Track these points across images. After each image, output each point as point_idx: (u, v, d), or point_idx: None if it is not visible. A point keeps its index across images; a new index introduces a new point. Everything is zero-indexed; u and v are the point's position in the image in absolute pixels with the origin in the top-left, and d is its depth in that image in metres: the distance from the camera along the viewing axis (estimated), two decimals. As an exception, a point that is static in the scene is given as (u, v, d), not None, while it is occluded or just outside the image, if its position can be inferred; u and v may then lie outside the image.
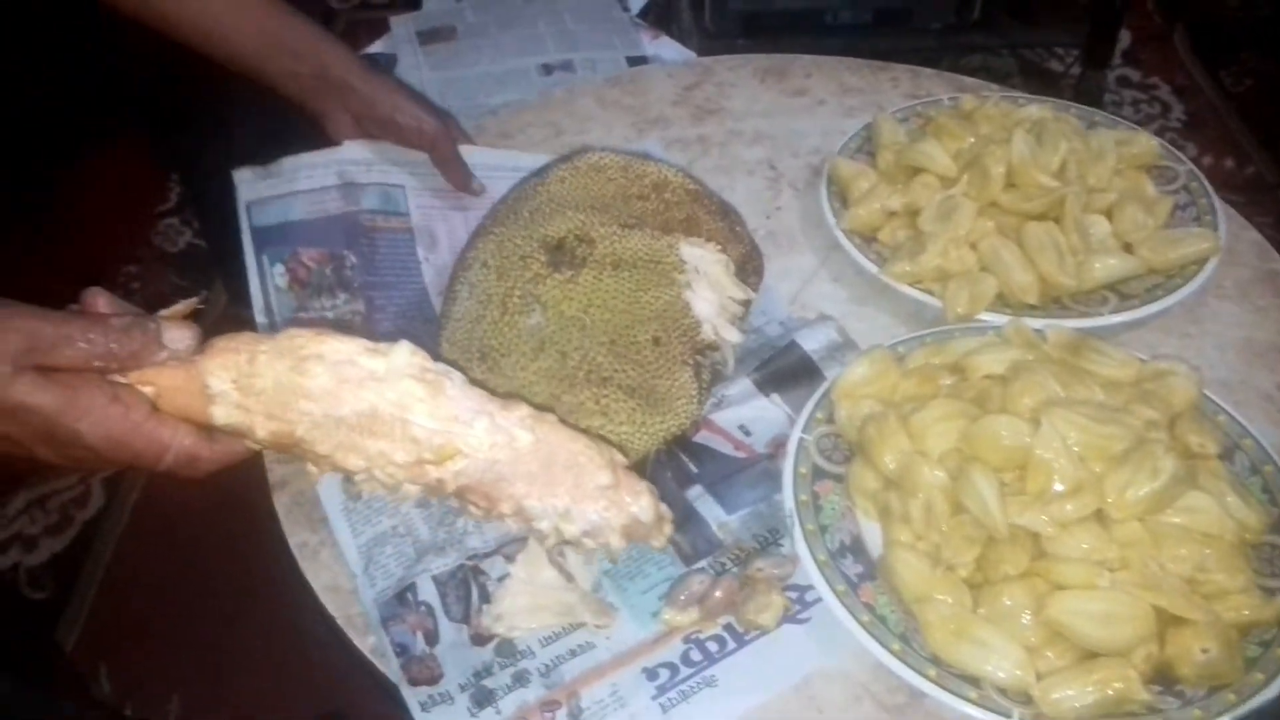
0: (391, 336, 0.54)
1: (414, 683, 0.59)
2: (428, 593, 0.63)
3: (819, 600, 0.61)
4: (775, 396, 0.73)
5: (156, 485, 1.48)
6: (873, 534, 0.64)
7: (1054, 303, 0.76)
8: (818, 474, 0.66)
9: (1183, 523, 0.58)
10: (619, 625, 0.62)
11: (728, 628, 0.61)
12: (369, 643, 0.61)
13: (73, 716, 1.06)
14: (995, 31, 1.82)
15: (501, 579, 0.63)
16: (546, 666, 0.60)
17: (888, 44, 1.64)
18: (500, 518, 0.55)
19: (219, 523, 1.24)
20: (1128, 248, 0.79)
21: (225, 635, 1.30)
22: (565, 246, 0.69)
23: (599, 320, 0.67)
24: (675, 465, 0.69)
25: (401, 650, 0.61)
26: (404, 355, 0.52)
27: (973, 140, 0.85)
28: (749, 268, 0.77)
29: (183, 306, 0.53)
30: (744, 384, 0.73)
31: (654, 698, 0.58)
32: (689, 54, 1.35)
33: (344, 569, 0.65)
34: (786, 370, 0.74)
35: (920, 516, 0.61)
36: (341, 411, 0.51)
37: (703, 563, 0.64)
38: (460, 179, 0.86)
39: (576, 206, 0.72)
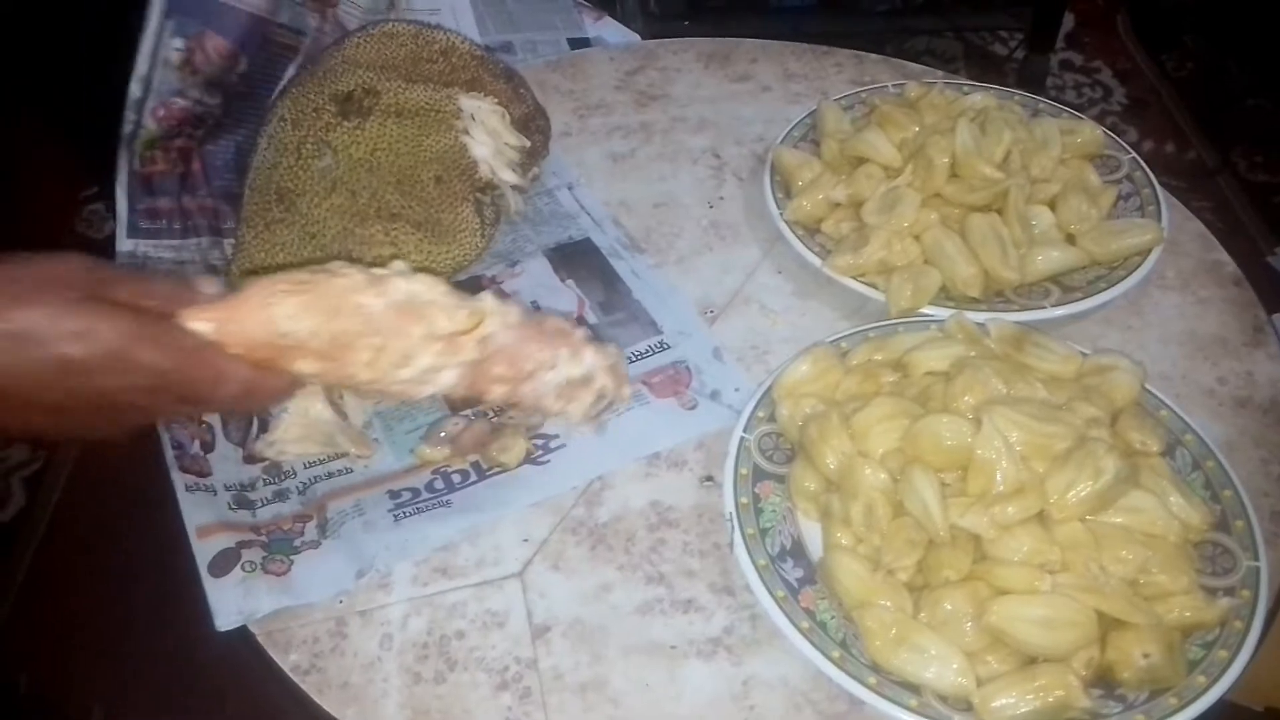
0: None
1: (184, 470, 0.67)
2: (211, 415, 0.70)
3: (562, 446, 0.69)
4: (570, 281, 0.81)
5: (77, 487, 1.43)
6: (814, 536, 0.62)
7: (997, 296, 0.75)
8: (759, 475, 0.64)
9: (1125, 523, 0.58)
10: (378, 457, 0.69)
11: (474, 465, 0.68)
12: (290, 660, 0.59)
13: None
14: (940, 15, 1.81)
15: (280, 413, 0.67)
16: (304, 485, 0.67)
17: (833, 26, 1.63)
18: (517, 387, 0.55)
19: (138, 527, 1.20)
20: (1071, 239, 0.78)
21: (147, 642, 1.26)
22: (354, 98, 0.75)
23: (385, 162, 0.74)
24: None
25: (178, 445, 0.68)
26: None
27: (917, 130, 0.84)
28: (533, 126, 0.84)
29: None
30: (542, 262, 0.82)
31: (390, 510, 0.65)
32: (633, 36, 1.32)
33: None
34: (579, 259, 0.82)
35: (861, 519, 0.60)
36: (377, 318, 0.50)
37: (468, 412, 0.70)
38: None
39: (368, 66, 0.78)
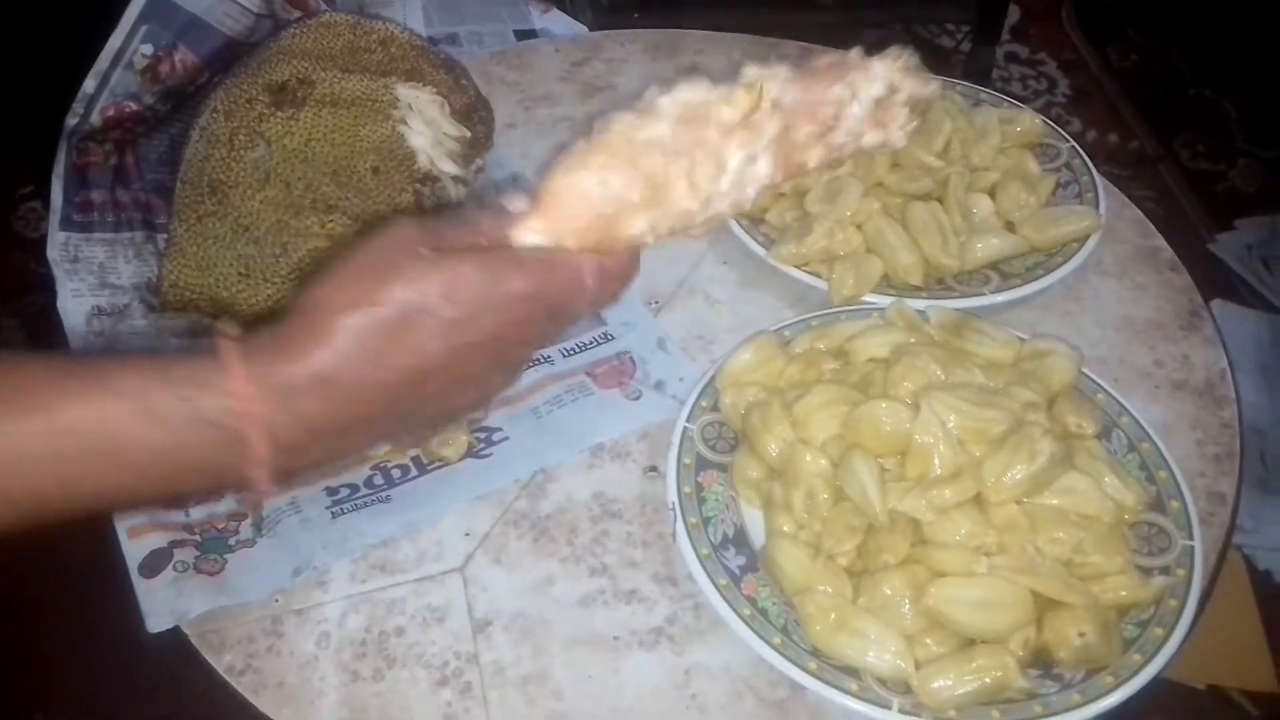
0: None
1: None
2: None
3: (505, 439, 0.68)
4: None
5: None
6: (756, 524, 0.62)
7: (938, 283, 0.76)
8: (702, 464, 0.64)
9: (1060, 505, 0.58)
10: None
11: (415, 459, 0.67)
12: (224, 661, 0.58)
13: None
14: (887, 8, 1.82)
15: None
16: None
17: (783, 19, 1.63)
18: (830, 138, 0.47)
19: (68, 528, 1.17)
20: (1010, 226, 0.79)
21: (80, 645, 1.24)
22: (288, 88, 0.74)
23: (320, 153, 0.73)
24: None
25: None
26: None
27: (859, 118, 0.84)
28: (475, 117, 0.82)
29: None
30: None
31: (327, 507, 0.64)
32: (581, 28, 1.31)
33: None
34: None
35: (802, 506, 0.60)
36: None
37: None
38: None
39: (303, 56, 0.77)
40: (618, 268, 0.45)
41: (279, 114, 0.73)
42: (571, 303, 0.44)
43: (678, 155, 0.44)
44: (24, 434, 0.37)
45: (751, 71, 0.46)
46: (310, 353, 0.39)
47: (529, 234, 0.43)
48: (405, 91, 0.76)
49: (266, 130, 0.73)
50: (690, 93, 0.45)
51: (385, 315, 0.39)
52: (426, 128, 0.76)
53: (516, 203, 0.45)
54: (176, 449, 0.38)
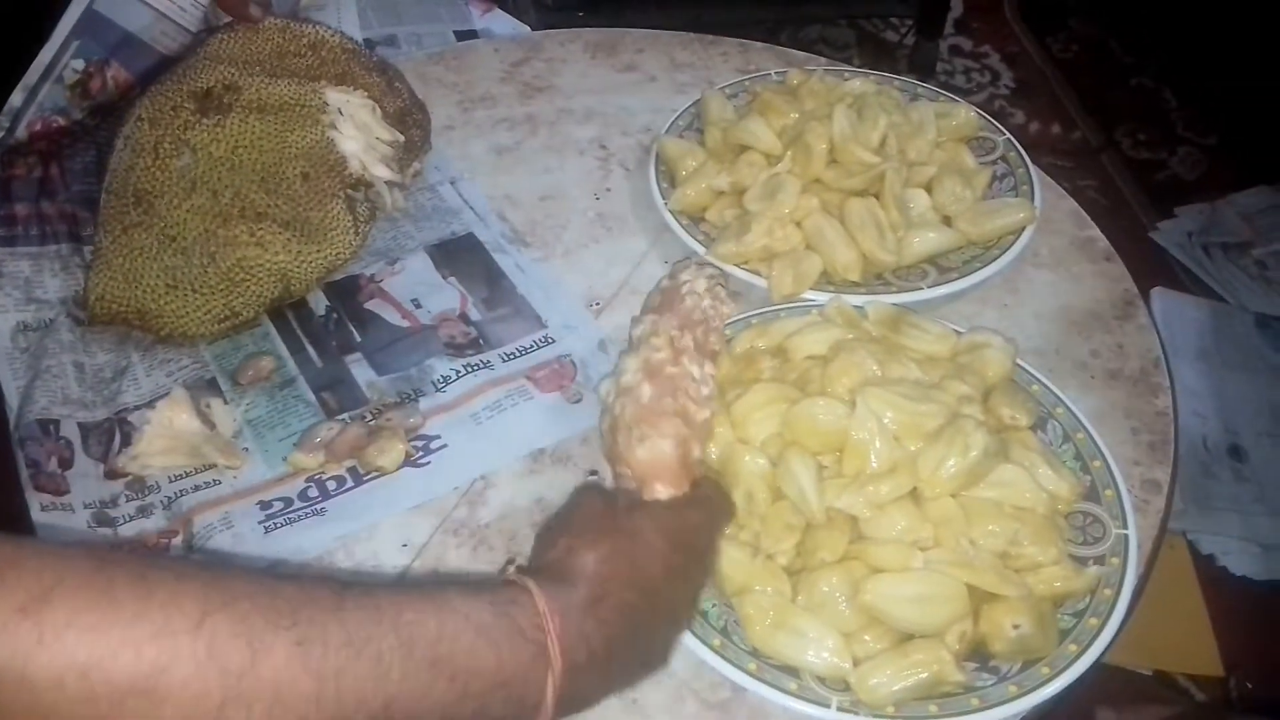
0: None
1: (39, 489, 0.65)
2: (70, 431, 0.68)
3: (444, 447, 0.68)
4: (452, 278, 0.79)
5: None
6: (698, 526, 0.62)
7: (876, 278, 0.76)
8: (642, 467, 0.64)
9: (995, 497, 0.59)
10: (249, 467, 0.67)
11: (351, 470, 0.66)
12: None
13: None
14: (831, 2, 1.83)
15: (143, 425, 0.67)
16: (169, 499, 0.65)
17: (729, 16, 1.64)
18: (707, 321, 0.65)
19: None
20: (947, 220, 0.79)
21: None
22: (213, 94, 0.73)
23: (248, 160, 0.72)
24: (341, 333, 0.75)
25: (33, 464, 0.66)
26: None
27: (797, 116, 0.84)
28: (409, 120, 0.82)
29: None
30: (423, 259, 0.80)
31: (260, 522, 0.63)
32: (523, 28, 1.30)
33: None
34: (462, 255, 0.81)
35: (741, 505, 0.60)
36: None
37: (344, 416, 0.69)
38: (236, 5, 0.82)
39: (230, 62, 0.76)
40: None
41: (205, 121, 0.73)
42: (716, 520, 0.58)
43: (671, 392, 0.59)
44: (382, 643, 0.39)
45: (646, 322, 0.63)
46: (578, 581, 0.47)
47: (659, 493, 0.56)
48: (335, 96, 0.75)
49: (192, 138, 0.72)
50: (633, 360, 0.60)
51: (618, 539, 0.50)
52: (358, 132, 0.75)
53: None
54: (496, 662, 0.41)
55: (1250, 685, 1.14)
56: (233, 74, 0.74)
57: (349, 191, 0.75)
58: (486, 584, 0.45)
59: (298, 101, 0.74)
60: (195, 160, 0.72)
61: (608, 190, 0.89)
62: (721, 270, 0.68)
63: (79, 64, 0.81)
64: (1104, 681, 0.56)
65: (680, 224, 0.80)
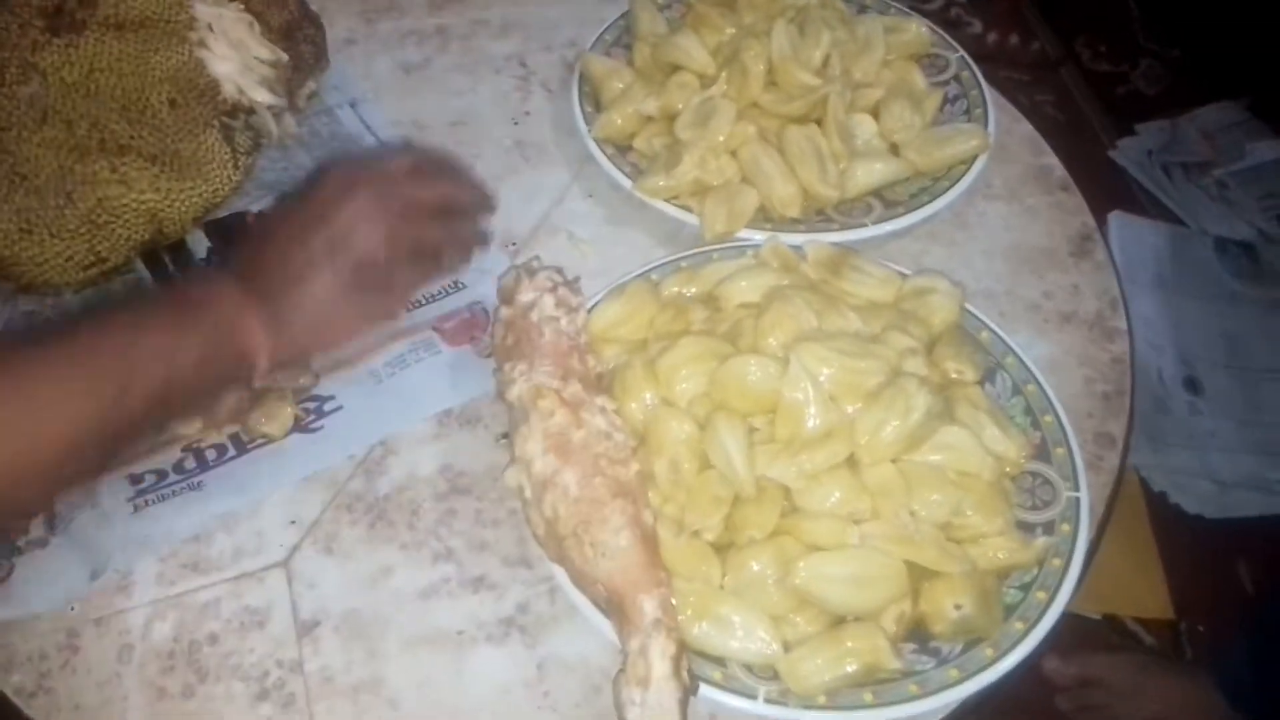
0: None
1: None
2: None
3: (338, 409, 0.62)
4: None
5: None
6: (618, 495, 0.57)
7: (817, 214, 0.70)
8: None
9: (938, 462, 0.54)
10: None
11: (233, 438, 0.60)
12: (12, 682, 0.51)
13: None
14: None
15: None
16: None
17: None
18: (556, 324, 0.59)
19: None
20: (894, 149, 0.73)
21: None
22: (64, 10, 0.65)
23: (106, 85, 0.65)
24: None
25: None
26: None
27: (734, 32, 0.77)
28: (298, 35, 0.74)
29: None
30: None
31: (130, 499, 0.57)
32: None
33: None
34: None
35: (666, 476, 0.54)
36: None
37: None
38: None
39: None
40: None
41: (55, 41, 0.64)
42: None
43: (593, 466, 0.52)
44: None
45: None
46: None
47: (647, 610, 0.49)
48: (205, 10, 0.66)
49: (41, 61, 0.63)
50: (533, 440, 0.53)
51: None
52: (232, 51, 0.67)
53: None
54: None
55: (1201, 629, 1.12)
56: None
57: (224, 119, 0.67)
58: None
59: (161, 17, 0.65)
60: (45, 86, 0.63)
61: (526, 114, 0.81)
62: (556, 271, 0.62)
63: None
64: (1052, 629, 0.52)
65: (605, 154, 0.73)
